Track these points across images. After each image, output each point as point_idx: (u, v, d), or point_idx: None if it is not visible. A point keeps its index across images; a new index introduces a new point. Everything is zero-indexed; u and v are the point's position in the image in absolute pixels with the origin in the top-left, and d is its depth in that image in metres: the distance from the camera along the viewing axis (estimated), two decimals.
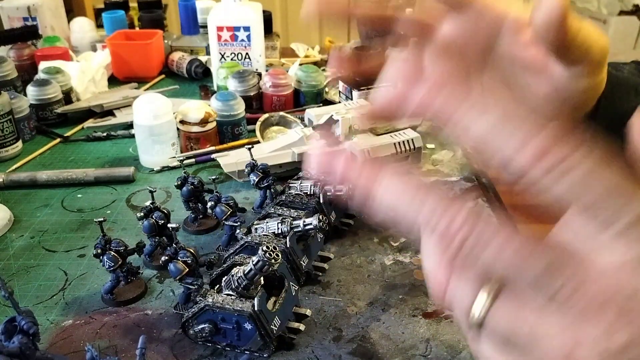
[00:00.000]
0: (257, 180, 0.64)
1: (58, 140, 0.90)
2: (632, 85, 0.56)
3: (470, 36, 0.43)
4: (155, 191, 0.61)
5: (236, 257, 0.52)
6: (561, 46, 0.38)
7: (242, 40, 1.04)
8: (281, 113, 0.88)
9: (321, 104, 0.99)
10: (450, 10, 0.41)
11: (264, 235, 0.55)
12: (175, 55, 1.19)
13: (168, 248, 0.50)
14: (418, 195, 0.21)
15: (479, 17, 0.42)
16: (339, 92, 0.95)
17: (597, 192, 0.20)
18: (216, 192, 0.61)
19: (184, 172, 0.65)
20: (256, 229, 0.57)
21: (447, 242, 0.21)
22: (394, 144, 0.72)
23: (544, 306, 0.21)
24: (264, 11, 1.10)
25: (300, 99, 1.00)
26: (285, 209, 0.60)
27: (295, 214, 0.59)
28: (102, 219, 0.54)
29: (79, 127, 0.94)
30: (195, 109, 0.82)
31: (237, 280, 0.46)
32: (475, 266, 0.21)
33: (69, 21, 1.34)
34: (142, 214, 0.58)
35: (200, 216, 0.66)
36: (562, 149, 0.20)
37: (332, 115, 0.74)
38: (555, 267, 0.21)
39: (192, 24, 1.29)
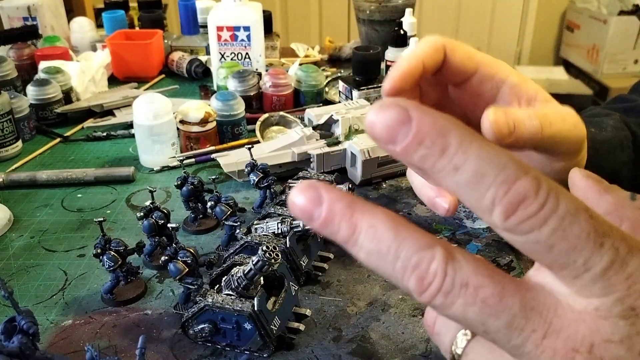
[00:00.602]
0: (257, 180, 0.64)
1: (58, 140, 0.90)
2: (617, 143, 0.56)
3: (472, 97, 0.45)
4: (155, 191, 0.61)
5: (236, 257, 0.52)
6: (527, 145, 0.41)
7: (242, 40, 1.04)
8: (281, 113, 0.88)
9: (321, 104, 0.99)
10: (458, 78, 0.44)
11: (264, 235, 0.55)
12: (175, 55, 1.19)
13: (168, 248, 0.50)
14: (393, 245, 0.22)
15: (483, 82, 0.44)
16: (339, 92, 0.96)
17: (561, 249, 0.21)
18: (216, 192, 0.61)
19: (184, 172, 0.65)
20: (256, 229, 0.57)
21: (421, 297, 0.22)
22: None
23: (514, 352, 0.22)
24: (264, 11, 1.10)
25: (300, 99, 1.00)
26: (285, 209, 0.60)
27: None
28: (102, 219, 0.54)
29: (79, 127, 0.95)
30: (195, 108, 0.82)
31: (237, 280, 0.46)
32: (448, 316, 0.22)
33: (69, 21, 1.34)
34: (142, 213, 0.58)
35: (200, 216, 0.66)
36: (528, 209, 0.20)
37: (332, 115, 0.74)
38: (523, 315, 0.22)
39: (192, 24, 1.29)
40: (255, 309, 0.45)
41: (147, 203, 0.60)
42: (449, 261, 0.22)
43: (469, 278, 0.22)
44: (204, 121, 0.81)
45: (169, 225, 0.53)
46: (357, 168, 0.71)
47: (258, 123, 0.84)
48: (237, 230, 0.57)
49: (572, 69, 2.99)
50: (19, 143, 0.86)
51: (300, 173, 0.66)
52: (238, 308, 0.45)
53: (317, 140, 0.73)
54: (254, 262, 0.45)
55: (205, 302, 0.46)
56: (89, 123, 0.95)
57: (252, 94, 0.97)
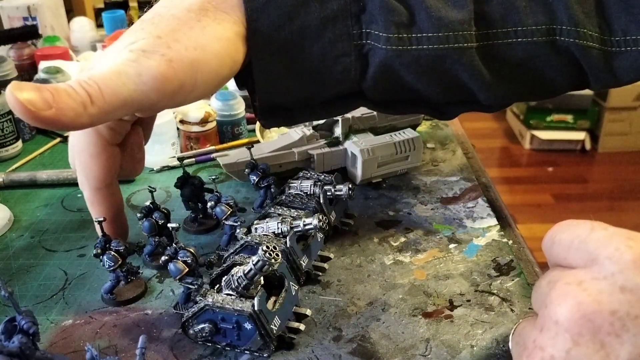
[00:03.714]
0: (257, 180, 0.64)
1: (58, 140, 0.90)
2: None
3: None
4: (155, 191, 0.61)
5: (236, 257, 0.52)
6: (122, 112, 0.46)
7: None
8: None
9: None
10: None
11: (264, 235, 0.55)
12: None
13: (168, 248, 0.50)
14: None
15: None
16: None
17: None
18: (216, 192, 0.61)
19: (184, 172, 0.65)
20: (256, 228, 0.57)
21: None
22: (394, 143, 0.72)
23: None
24: None
25: None
26: (285, 209, 0.60)
27: (295, 214, 0.59)
28: (102, 219, 0.54)
29: None
30: (195, 108, 0.82)
31: (237, 280, 0.46)
32: None
33: (69, 21, 1.34)
34: (142, 213, 0.59)
35: (200, 216, 0.66)
36: None
37: None
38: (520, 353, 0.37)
39: None
40: (256, 308, 0.45)
41: (147, 203, 0.60)
42: None
43: None
44: (204, 121, 0.81)
45: (169, 225, 0.53)
46: (357, 168, 0.71)
47: (258, 123, 0.84)
48: (237, 230, 0.56)
49: None
50: (19, 143, 0.86)
51: (301, 173, 0.66)
52: (238, 308, 0.45)
53: (317, 140, 0.73)
54: (254, 262, 0.45)
55: (205, 302, 0.46)
56: None
57: None
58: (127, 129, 0.53)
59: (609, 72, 0.50)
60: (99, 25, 1.38)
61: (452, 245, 0.61)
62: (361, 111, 0.75)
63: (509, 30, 0.48)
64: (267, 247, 0.46)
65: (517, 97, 0.54)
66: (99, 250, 0.53)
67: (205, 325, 0.46)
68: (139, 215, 0.59)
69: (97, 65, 0.43)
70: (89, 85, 0.40)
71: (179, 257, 0.49)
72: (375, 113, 0.75)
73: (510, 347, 0.42)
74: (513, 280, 0.55)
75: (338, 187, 0.62)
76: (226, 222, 0.58)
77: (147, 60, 0.42)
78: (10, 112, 0.84)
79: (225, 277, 0.48)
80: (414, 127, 0.78)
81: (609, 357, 0.31)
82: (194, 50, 0.43)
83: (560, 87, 0.53)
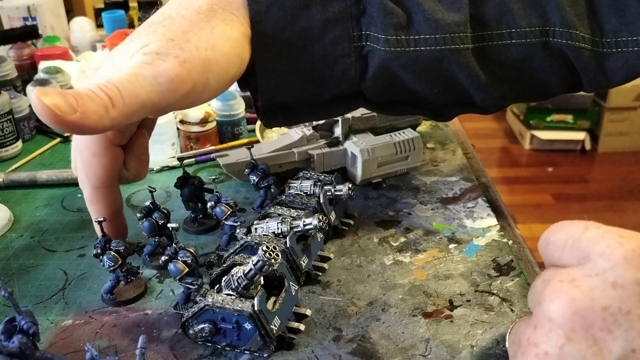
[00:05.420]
0: (257, 180, 0.64)
1: (58, 140, 0.90)
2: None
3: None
4: (155, 191, 0.61)
5: (236, 257, 0.52)
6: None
7: None
8: None
9: None
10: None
11: (264, 235, 0.55)
12: None
13: (168, 248, 0.50)
14: None
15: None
16: None
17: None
18: (216, 192, 0.61)
19: (184, 172, 0.65)
20: (256, 229, 0.57)
21: None
22: (394, 143, 0.72)
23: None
24: None
25: None
26: (285, 209, 0.60)
27: (295, 214, 0.59)
28: (102, 219, 0.54)
29: None
30: (195, 108, 0.82)
31: (237, 280, 0.46)
32: None
33: (69, 21, 1.34)
34: (142, 213, 0.59)
35: (200, 216, 0.66)
36: None
37: None
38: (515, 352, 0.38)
39: None
40: (256, 309, 0.45)
41: (147, 203, 0.60)
42: None
43: None
44: (204, 121, 0.81)
45: (169, 225, 0.53)
46: (357, 168, 0.71)
47: (258, 123, 0.84)
48: (237, 230, 0.57)
49: None
50: (19, 143, 0.86)
51: (301, 173, 0.66)
52: (238, 308, 0.45)
53: (317, 140, 0.73)
54: (254, 262, 0.45)
55: (205, 302, 0.46)
56: None
57: None
58: (132, 131, 0.54)
59: (601, 73, 0.51)
60: (99, 25, 1.38)
61: (452, 246, 0.61)
62: (361, 111, 0.75)
63: (503, 32, 0.49)
64: (267, 247, 0.46)
65: (511, 98, 0.54)
66: (99, 250, 0.53)
67: (205, 325, 0.46)
68: (139, 215, 0.59)
69: (108, 68, 0.44)
70: (108, 89, 0.40)
71: (179, 257, 0.49)
72: (375, 113, 0.75)
73: (506, 347, 0.42)
74: (513, 280, 0.55)
75: (338, 187, 0.62)
76: (226, 222, 0.58)
77: (162, 62, 0.42)
78: (10, 112, 0.84)
79: (225, 277, 0.48)
80: (414, 127, 0.78)
81: (601, 352, 0.31)
82: (204, 50, 0.44)
83: (554, 88, 0.53)
